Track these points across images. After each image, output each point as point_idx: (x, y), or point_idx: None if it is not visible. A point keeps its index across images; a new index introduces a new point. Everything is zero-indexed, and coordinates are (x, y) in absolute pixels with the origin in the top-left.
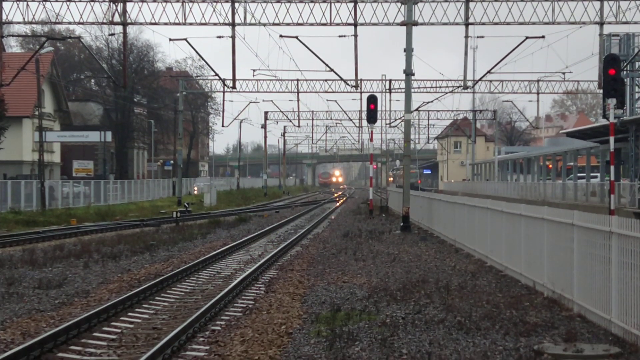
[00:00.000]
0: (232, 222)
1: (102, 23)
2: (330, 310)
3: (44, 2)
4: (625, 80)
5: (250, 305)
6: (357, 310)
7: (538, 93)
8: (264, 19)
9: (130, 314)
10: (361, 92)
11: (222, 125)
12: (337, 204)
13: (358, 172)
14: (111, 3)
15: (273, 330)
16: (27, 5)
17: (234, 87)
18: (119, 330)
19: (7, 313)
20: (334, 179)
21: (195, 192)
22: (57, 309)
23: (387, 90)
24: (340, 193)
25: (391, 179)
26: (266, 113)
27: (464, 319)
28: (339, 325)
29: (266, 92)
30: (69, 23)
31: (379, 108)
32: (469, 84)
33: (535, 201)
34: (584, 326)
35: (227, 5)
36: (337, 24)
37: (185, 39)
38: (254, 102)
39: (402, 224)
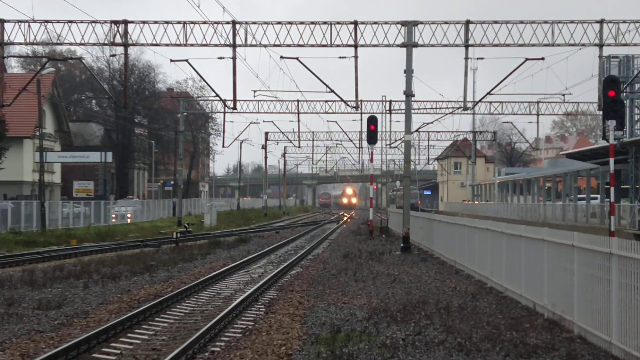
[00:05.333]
0: (232, 243)
1: (104, 44)
2: (330, 331)
3: (46, 23)
4: (625, 101)
5: (250, 326)
6: (357, 332)
7: (538, 114)
8: (265, 40)
9: (129, 334)
10: (361, 113)
11: (223, 146)
12: (337, 225)
13: (358, 193)
14: (112, 24)
15: (273, 351)
16: (29, 26)
17: (234, 107)
18: (119, 351)
19: (7, 334)
20: (344, 200)
21: (113, 219)
22: (56, 330)
23: (388, 111)
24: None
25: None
26: (267, 134)
27: (465, 340)
28: (339, 346)
29: (267, 112)
30: (70, 44)
31: (379, 129)
32: (469, 105)
33: (536, 222)
34: (585, 348)
35: (228, 27)
36: (338, 45)
37: (186, 60)
38: (255, 122)
39: (402, 245)
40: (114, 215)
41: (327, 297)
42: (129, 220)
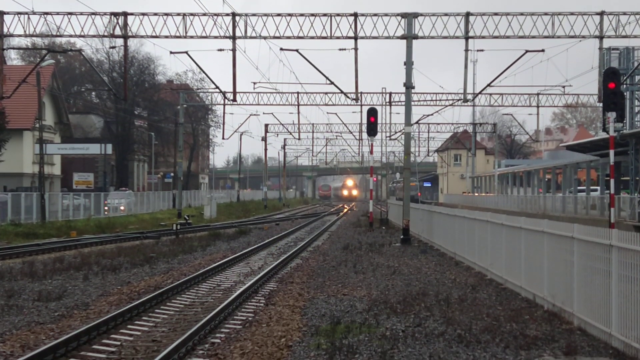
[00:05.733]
0: (232, 235)
1: (103, 36)
2: (330, 323)
3: (45, 15)
4: (625, 93)
5: (250, 318)
6: (357, 323)
7: (538, 106)
8: (265, 32)
9: (129, 326)
10: (361, 105)
11: (223, 138)
12: (337, 217)
13: (358, 185)
14: (112, 16)
15: (273, 343)
16: (29, 18)
17: (234, 99)
18: (119, 343)
19: (7, 325)
20: (345, 192)
21: (106, 211)
22: (56, 322)
23: (388, 103)
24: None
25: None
26: (266, 125)
27: (464, 332)
28: (338, 338)
29: (266, 104)
30: (70, 36)
31: (379, 121)
32: (469, 97)
33: (535, 214)
34: (584, 339)
35: (228, 19)
36: (338, 37)
37: (186, 52)
38: (255, 114)
39: (402, 237)
40: (106, 208)
41: (327, 288)
42: (122, 212)
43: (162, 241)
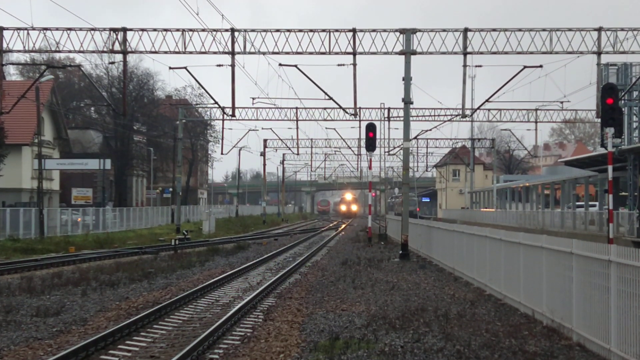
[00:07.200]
0: (231, 250)
1: (103, 51)
2: (328, 338)
3: (45, 31)
4: (623, 109)
5: (248, 334)
6: (355, 339)
7: (536, 122)
8: (264, 47)
9: (127, 342)
10: (360, 120)
11: (222, 153)
12: (336, 232)
13: (357, 199)
14: (111, 32)
15: (271, 358)
16: (28, 33)
17: (233, 115)
18: (117, 359)
19: (5, 341)
20: (343, 207)
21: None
22: (54, 337)
23: (386, 119)
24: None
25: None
26: (265, 141)
27: (463, 347)
28: (337, 353)
29: (265, 120)
30: (69, 51)
31: (377, 136)
32: (468, 112)
33: (534, 229)
34: (583, 355)
35: (227, 34)
36: (336, 53)
37: (185, 68)
38: (253, 130)
39: (400, 252)
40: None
41: (325, 304)
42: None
43: (160, 256)
